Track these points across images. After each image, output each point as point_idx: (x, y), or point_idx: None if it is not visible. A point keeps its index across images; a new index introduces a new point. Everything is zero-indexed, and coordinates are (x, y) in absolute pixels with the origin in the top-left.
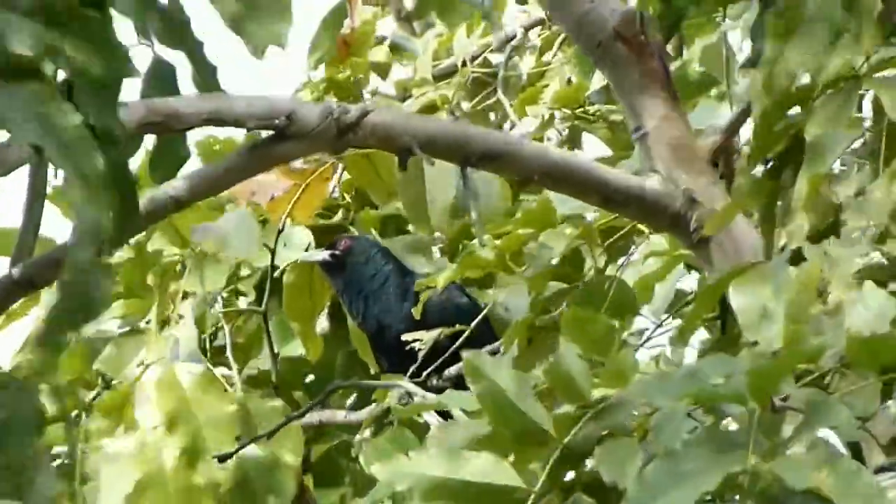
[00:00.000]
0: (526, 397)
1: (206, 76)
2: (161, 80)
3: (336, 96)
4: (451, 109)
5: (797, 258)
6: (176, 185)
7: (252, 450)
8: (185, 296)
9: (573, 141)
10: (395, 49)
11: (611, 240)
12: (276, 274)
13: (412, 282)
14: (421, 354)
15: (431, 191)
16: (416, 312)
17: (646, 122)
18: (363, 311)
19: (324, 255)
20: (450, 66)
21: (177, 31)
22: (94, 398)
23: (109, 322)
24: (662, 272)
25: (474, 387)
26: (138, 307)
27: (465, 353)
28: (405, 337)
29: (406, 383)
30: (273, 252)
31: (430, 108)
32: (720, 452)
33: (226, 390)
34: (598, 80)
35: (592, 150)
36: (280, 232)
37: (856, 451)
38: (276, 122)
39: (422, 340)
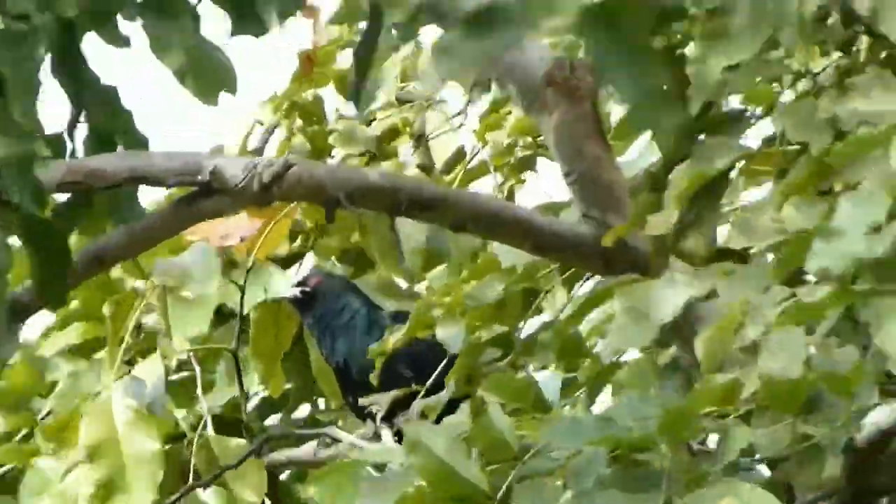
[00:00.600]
0: (460, 461)
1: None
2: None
3: (300, 118)
4: (413, 134)
5: None
6: (101, 244)
7: (209, 492)
8: (141, 328)
9: (527, 165)
10: None
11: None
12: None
13: (380, 319)
14: (379, 415)
15: (403, 231)
16: (373, 354)
17: (577, 166)
18: (331, 346)
19: (294, 291)
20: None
21: (108, 106)
22: (43, 417)
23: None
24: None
25: (412, 457)
26: (97, 331)
27: (416, 404)
28: (362, 401)
29: (336, 431)
30: (243, 291)
31: (393, 132)
32: (634, 492)
33: (177, 429)
34: None
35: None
36: (249, 270)
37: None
38: (199, 178)
39: (378, 404)
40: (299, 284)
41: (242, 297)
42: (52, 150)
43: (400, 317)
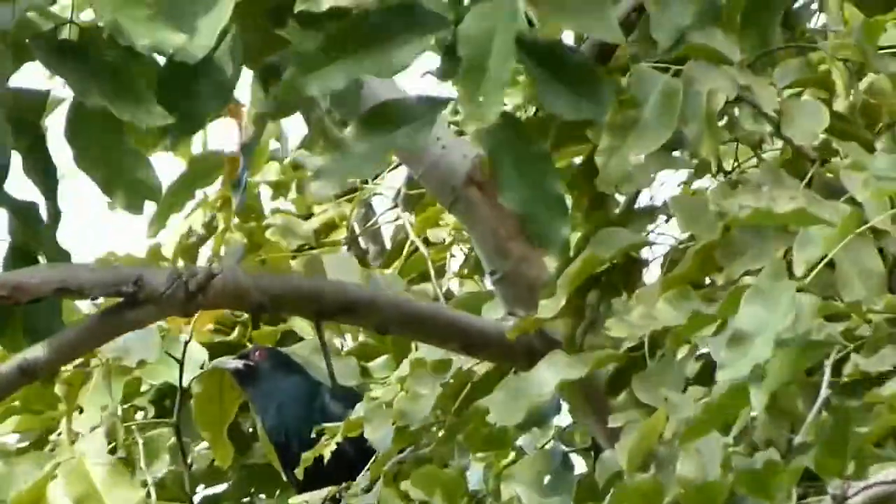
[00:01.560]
0: None
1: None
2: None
3: (237, 216)
4: (349, 226)
5: None
6: (28, 357)
7: None
8: (81, 410)
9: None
10: (297, 167)
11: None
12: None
13: (322, 396)
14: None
15: None
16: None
17: (502, 264)
18: (272, 422)
19: (237, 363)
20: (350, 185)
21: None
22: None
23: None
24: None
25: None
26: (32, 423)
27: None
28: (292, 501)
29: None
30: (182, 363)
31: (329, 226)
32: None
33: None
34: None
35: None
36: (187, 343)
37: None
38: (124, 288)
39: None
40: (241, 357)
41: (181, 370)
42: None
43: (342, 395)
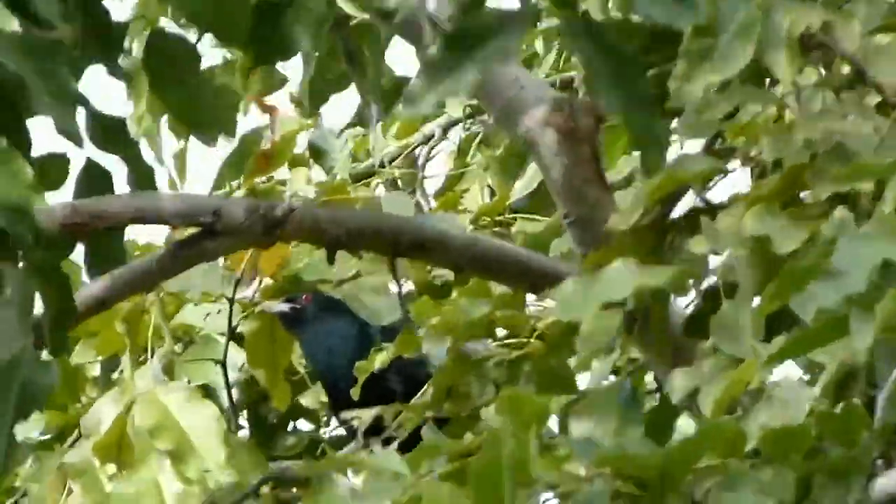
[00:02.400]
0: None
1: (143, 179)
2: (94, 182)
3: None
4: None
5: None
6: (103, 286)
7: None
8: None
9: None
10: (314, 150)
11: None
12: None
13: (371, 336)
14: (361, 429)
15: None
16: (360, 370)
17: (576, 208)
18: (321, 364)
19: (283, 306)
20: (368, 167)
21: (111, 134)
22: None
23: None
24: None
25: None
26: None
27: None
28: (344, 415)
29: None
30: (232, 302)
31: None
32: None
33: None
34: (521, 187)
35: None
36: (237, 282)
37: None
38: (203, 219)
39: (360, 418)
40: (288, 300)
41: (231, 309)
42: (57, 176)
43: (389, 332)
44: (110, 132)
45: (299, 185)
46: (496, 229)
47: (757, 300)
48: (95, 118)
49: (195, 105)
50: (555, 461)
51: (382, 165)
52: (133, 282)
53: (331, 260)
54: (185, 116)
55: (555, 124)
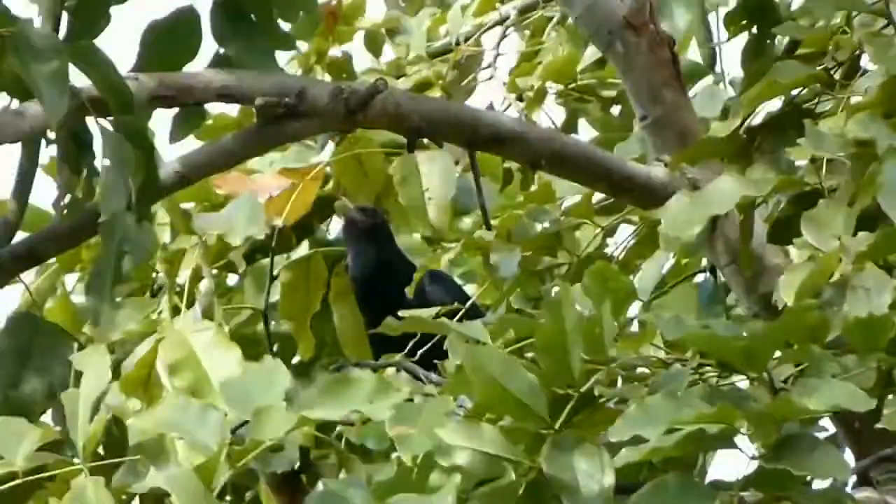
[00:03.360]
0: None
1: None
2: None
3: (328, 73)
4: (445, 87)
5: None
6: (185, 161)
7: None
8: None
9: (570, 127)
10: (388, 29)
11: (609, 221)
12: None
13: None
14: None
15: (430, 189)
16: (410, 291)
17: (654, 109)
18: (370, 288)
19: (357, 214)
20: (444, 46)
21: None
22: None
23: None
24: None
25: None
26: None
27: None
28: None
29: (410, 365)
30: (272, 251)
31: (424, 85)
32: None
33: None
34: (591, 53)
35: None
36: (275, 230)
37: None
38: (287, 100)
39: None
40: (362, 210)
41: (272, 257)
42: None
43: (443, 286)
44: None
45: (372, 62)
46: (568, 98)
47: None
48: None
49: None
50: (632, 343)
51: (458, 43)
52: (213, 160)
53: (411, 147)
54: None
55: (636, 26)
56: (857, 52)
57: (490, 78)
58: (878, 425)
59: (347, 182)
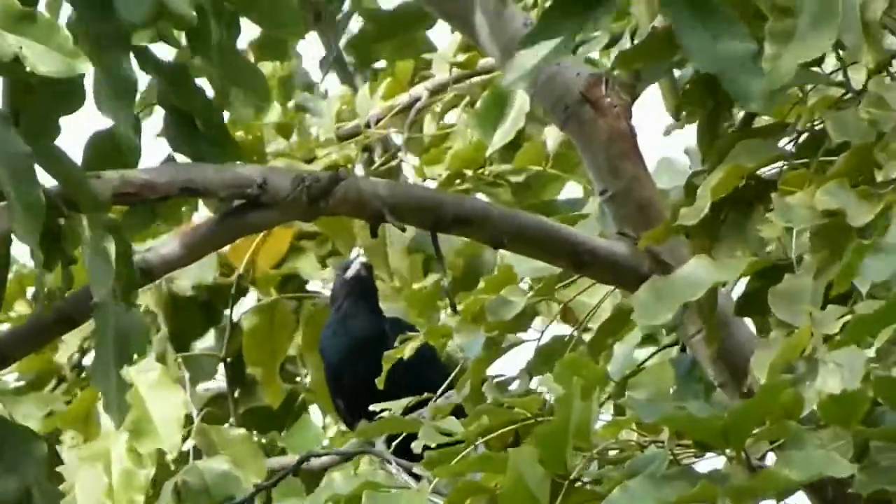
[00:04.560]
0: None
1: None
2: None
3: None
4: (353, 169)
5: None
6: (147, 256)
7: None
8: None
9: None
10: (300, 110)
11: (571, 297)
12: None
13: (388, 337)
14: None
15: (391, 234)
16: (380, 381)
17: (614, 183)
18: (336, 348)
19: (360, 269)
20: (353, 128)
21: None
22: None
23: None
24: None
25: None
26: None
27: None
28: (373, 407)
29: (385, 453)
30: (233, 298)
31: (333, 168)
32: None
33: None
34: (500, 137)
35: None
36: (239, 277)
37: None
38: (248, 190)
39: (390, 410)
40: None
41: (233, 303)
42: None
43: (396, 324)
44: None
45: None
46: (477, 183)
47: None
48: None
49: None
50: (615, 427)
51: (368, 126)
52: (180, 253)
53: (373, 233)
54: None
55: (592, 99)
56: (817, 120)
57: (399, 161)
58: (850, 490)
59: (326, 229)
